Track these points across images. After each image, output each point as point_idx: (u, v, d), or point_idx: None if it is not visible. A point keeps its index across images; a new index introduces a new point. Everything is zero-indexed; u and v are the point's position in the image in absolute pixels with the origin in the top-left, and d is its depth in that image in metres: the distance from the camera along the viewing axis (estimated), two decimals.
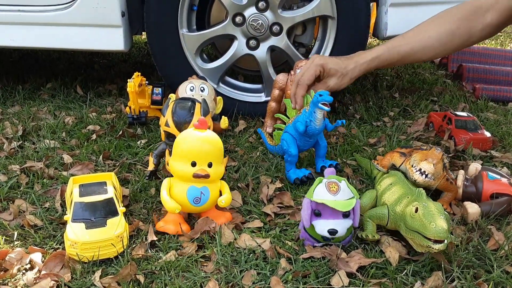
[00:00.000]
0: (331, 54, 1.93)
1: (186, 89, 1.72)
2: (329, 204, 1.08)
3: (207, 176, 1.20)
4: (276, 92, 1.81)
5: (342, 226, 1.10)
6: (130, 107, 1.91)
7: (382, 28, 1.92)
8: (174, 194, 1.22)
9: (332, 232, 1.09)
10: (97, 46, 1.93)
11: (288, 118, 1.59)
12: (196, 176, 1.19)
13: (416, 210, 1.07)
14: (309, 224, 1.12)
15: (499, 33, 4.33)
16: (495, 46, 3.87)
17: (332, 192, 1.11)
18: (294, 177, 1.47)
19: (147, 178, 1.49)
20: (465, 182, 1.38)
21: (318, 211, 1.11)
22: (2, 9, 1.88)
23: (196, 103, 1.42)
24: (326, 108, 1.36)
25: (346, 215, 1.11)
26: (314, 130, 1.44)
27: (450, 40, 1.46)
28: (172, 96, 1.54)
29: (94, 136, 1.80)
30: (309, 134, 1.46)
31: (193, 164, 1.19)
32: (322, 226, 1.10)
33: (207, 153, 1.21)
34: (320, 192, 1.12)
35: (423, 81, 2.64)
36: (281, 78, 1.81)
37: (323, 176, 1.18)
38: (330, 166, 1.52)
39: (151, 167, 1.48)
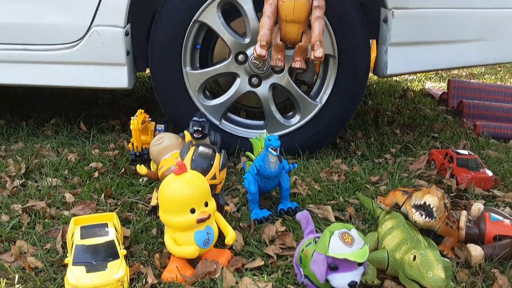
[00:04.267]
0: (332, 92, 1.95)
1: None
2: (351, 258, 1.04)
3: (209, 217, 1.20)
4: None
5: (358, 275, 1.07)
6: (132, 144, 1.92)
7: (383, 67, 1.94)
8: (182, 245, 1.21)
9: (353, 284, 1.05)
10: (101, 83, 1.96)
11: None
12: (200, 221, 1.19)
13: (414, 258, 1.06)
14: (324, 280, 1.07)
15: (498, 68, 4.36)
16: (495, 82, 3.90)
17: (347, 244, 1.06)
18: (254, 217, 1.49)
19: (148, 213, 1.47)
20: (468, 224, 1.37)
21: (335, 265, 1.06)
22: (8, 47, 1.92)
23: (217, 153, 1.42)
24: (274, 153, 1.42)
25: (360, 263, 1.08)
26: (269, 173, 1.46)
27: None
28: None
29: (96, 174, 1.81)
30: (265, 176, 1.48)
31: (193, 211, 1.19)
32: (341, 280, 1.06)
33: (201, 195, 1.21)
34: (336, 246, 1.06)
35: (424, 117, 2.65)
36: None
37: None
38: (289, 208, 1.53)
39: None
